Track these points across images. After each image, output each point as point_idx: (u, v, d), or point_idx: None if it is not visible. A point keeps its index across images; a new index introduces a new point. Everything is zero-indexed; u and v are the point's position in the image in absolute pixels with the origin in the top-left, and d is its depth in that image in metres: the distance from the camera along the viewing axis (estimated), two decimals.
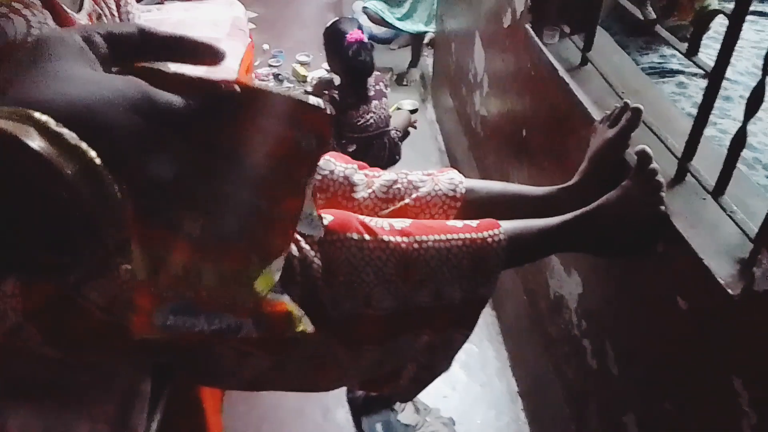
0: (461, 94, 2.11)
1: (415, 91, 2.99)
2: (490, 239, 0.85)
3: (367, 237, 0.82)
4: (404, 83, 3.05)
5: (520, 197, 1.01)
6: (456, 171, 1.01)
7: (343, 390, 1.48)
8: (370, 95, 2.28)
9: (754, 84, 0.74)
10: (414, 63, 3.13)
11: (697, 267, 0.75)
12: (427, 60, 3.08)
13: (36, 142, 0.26)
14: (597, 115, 1.02)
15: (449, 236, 0.85)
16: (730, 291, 0.70)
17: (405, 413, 1.45)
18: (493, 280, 0.87)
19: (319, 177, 0.99)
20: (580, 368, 1.12)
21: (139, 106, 0.31)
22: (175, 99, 0.32)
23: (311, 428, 1.41)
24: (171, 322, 0.41)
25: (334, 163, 1.01)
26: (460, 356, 1.56)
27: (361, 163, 1.04)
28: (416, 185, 1.00)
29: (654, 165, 0.86)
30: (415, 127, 2.58)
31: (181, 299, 0.40)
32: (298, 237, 0.80)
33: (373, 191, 0.99)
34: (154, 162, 0.32)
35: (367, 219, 0.85)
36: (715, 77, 0.81)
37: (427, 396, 1.49)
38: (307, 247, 0.80)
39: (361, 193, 0.98)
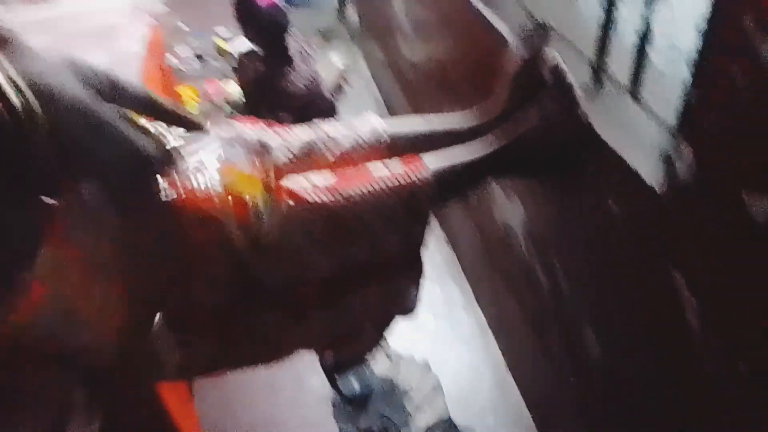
0: (389, 44, 2.05)
1: (345, 49, 2.91)
2: (417, 180, 0.83)
3: (291, 202, 0.79)
4: (330, 40, 2.96)
5: (447, 135, 0.99)
6: (375, 116, 0.97)
7: (314, 356, 1.47)
8: (295, 59, 2.20)
9: None
10: (340, 17, 3.04)
11: (624, 170, 0.75)
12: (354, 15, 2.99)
13: None
14: (514, 40, 0.99)
15: (375, 185, 0.82)
16: (656, 188, 0.70)
17: (379, 365, 1.46)
18: (425, 220, 0.86)
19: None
20: (536, 290, 1.13)
21: None
22: None
23: (286, 399, 1.41)
24: None
25: (243, 129, 0.96)
26: (426, 299, 1.57)
27: (268, 122, 0.99)
28: (338, 141, 0.95)
29: (568, 78, 0.84)
30: (348, 84, 2.51)
31: None
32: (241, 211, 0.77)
33: (294, 155, 0.95)
34: None
35: (289, 182, 0.81)
36: None
37: (398, 343, 1.50)
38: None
39: (282, 158, 0.94)
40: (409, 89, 1.89)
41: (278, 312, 0.85)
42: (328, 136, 0.94)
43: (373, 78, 2.58)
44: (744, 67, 0.54)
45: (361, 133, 0.96)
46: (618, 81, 0.83)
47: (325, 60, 2.68)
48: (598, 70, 0.86)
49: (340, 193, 0.81)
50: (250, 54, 2.56)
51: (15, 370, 0.74)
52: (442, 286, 1.63)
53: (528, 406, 1.29)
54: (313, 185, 0.81)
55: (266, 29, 2.13)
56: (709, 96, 0.60)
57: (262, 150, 0.90)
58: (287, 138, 0.92)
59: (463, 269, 1.64)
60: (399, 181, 0.82)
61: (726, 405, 0.66)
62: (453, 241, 1.71)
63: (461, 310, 1.56)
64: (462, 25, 1.24)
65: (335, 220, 0.81)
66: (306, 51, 2.25)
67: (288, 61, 2.21)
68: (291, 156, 0.93)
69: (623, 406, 0.90)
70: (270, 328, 0.86)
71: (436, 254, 1.70)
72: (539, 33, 0.91)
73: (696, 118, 0.63)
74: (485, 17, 1.08)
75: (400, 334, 1.52)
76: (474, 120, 0.97)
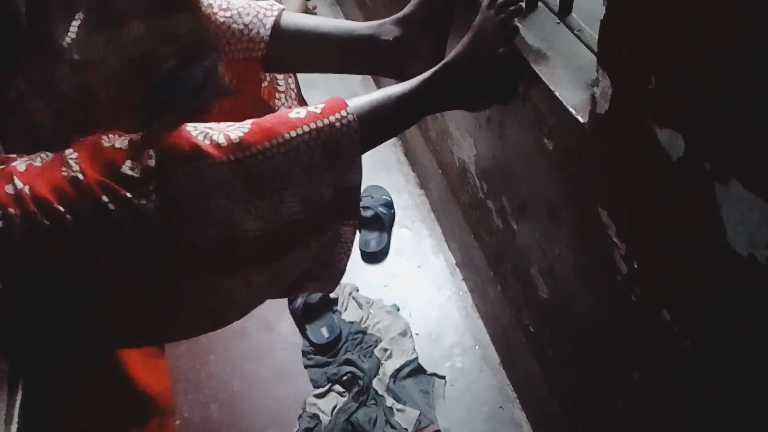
0: None
1: None
2: (338, 123, 0.76)
3: (203, 162, 0.72)
4: None
5: (345, 36, 0.92)
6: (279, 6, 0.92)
7: (284, 303, 1.46)
8: None
9: None
10: None
11: (553, 101, 0.69)
12: None
13: None
14: None
15: (293, 133, 0.76)
16: (579, 119, 0.64)
17: (348, 311, 1.45)
18: (356, 165, 0.80)
19: None
20: (491, 229, 1.09)
21: None
22: None
23: (258, 346, 1.41)
24: None
25: None
26: (395, 243, 1.56)
27: None
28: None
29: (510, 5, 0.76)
30: (313, 10, 2.39)
31: None
32: (117, 187, 0.71)
33: None
34: None
35: (198, 134, 0.75)
36: None
37: (367, 290, 1.48)
38: (126, 192, 0.71)
39: None
40: (366, 12, 1.79)
41: (218, 275, 0.80)
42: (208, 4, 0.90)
43: (337, 3, 2.45)
44: None
45: (242, 15, 0.90)
46: (549, 3, 0.75)
47: None
48: None
49: (257, 147, 0.75)
50: None
51: None
52: (412, 229, 1.59)
53: (494, 346, 1.28)
54: (227, 138, 0.74)
55: None
56: (619, 11, 0.53)
57: None
58: None
59: (432, 209, 1.60)
60: (318, 126, 0.76)
61: (650, 353, 0.63)
62: (422, 181, 1.66)
63: (431, 253, 1.53)
64: None
65: (254, 178, 0.75)
66: None
67: None
68: None
69: (570, 347, 0.87)
70: (204, 294, 0.81)
71: (407, 197, 1.66)
72: None
73: (609, 40, 0.56)
74: None
75: (370, 279, 1.51)
76: (376, 23, 0.91)
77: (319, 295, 1.42)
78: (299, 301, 1.43)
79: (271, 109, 0.98)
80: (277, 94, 0.99)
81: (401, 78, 0.86)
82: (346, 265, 0.94)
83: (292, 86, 1.01)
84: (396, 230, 1.59)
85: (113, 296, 0.76)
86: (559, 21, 0.75)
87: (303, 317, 1.42)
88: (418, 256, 1.53)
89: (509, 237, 0.99)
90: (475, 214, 1.18)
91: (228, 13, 0.89)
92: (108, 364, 1.02)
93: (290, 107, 0.98)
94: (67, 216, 0.70)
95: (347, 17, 2.30)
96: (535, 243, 0.89)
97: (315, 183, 0.79)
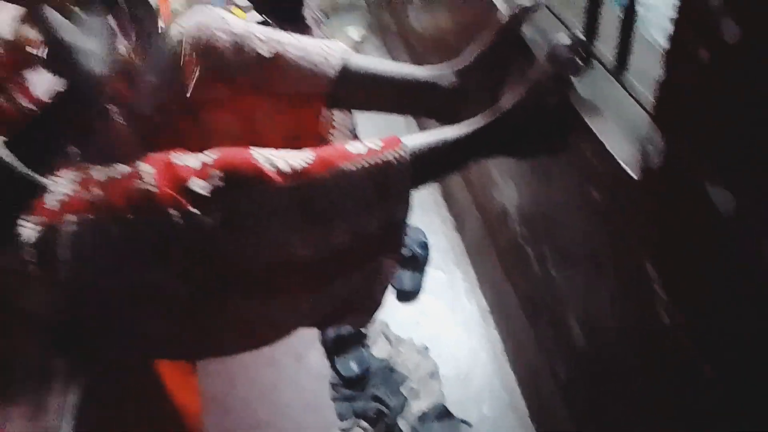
0: (400, 15, 2.02)
1: (361, 19, 2.86)
2: (393, 160, 0.80)
3: (265, 186, 0.76)
4: (345, 10, 2.91)
5: (405, 81, 0.97)
6: (342, 46, 0.98)
7: (315, 333, 1.48)
8: (311, 30, 2.19)
9: None
10: None
11: (603, 154, 0.72)
12: None
13: None
14: (504, 9, 0.95)
15: (351, 166, 0.79)
16: (631, 173, 0.66)
17: (377, 347, 1.46)
18: (405, 201, 0.84)
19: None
20: (528, 275, 1.10)
21: None
22: None
23: (286, 374, 1.42)
24: None
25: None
26: (429, 284, 1.57)
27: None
28: (283, 44, 0.97)
29: (568, 54, 0.79)
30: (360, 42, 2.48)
31: None
32: (185, 202, 0.76)
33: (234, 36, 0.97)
34: None
35: (263, 159, 0.79)
36: None
37: (398, 327, 1.49)
38: (192, 208, 0.76)
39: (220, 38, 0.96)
40: (416, 59, 1.86)
41: (257, 296, 0.83)
42: (280, 41, 0.96)
43: (387, 49, 2.53)
44: (708, 43, 0.50)
45: (312, 51, 0.96)
46: (604, 62, 0.79)
47: (341, 31, 2.65)
48: (587, 49, 0.81)
49: (316, 177, 0.79)
50: (264, 25, 2.55)
51: None
52: (446, 272, 1.61)
53: (523, 395, 1.27)
54: (290, 167, 0.78)
55: (280, 7, 2.13)
56: (676, 74, 0.56)
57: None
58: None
59: (467, 253, 1.61)
60: (375, 161, 0.80)
61: (693, 405, 0.63)
62: (459, 224, 1.68)
63: (463, 296, 1.54)
64: None
65: (311, 205, 0.79)
66: (321, 22, 2.23)
67: (305, 31, 2.20)
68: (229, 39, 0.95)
69: (605, 399, 0.87)
70: (249, 313, 0.84)
71: (442, 239, 1.68)
72: (529, 7, 0.87)
73: (665, 99, 0.59)
74: None
75: (402, 317, 1.52)
76: (437, 70, 0.95)
77: (350, 329, 1.44)
78: (331, 332, 1.45)
79: (326, 142, 1.02)
80: (331, 129, 1.04)
81: (453, 123, 0.90)
82: (383, 299, 0.96)
83: (348, 123, 1.06)
84: (430, 271, 1.61)
85: (166, 307, 0.80)
86: (612, 78, 0.78)
87: (333, 349, 1.43)
88: (450, 297, 1.54)
89: (547, 284, 1.00)
90: (512, 259, 1.19)
91: (300, 52, 0.95)
92: (147, 375, 1.06)
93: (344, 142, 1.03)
94: (138, 225, 0.75)
95: (394, 58, 2.38)
96: (574, 291, 0.90)
97: (365, 215, 0.82)
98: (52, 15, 0.74)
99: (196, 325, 0.83)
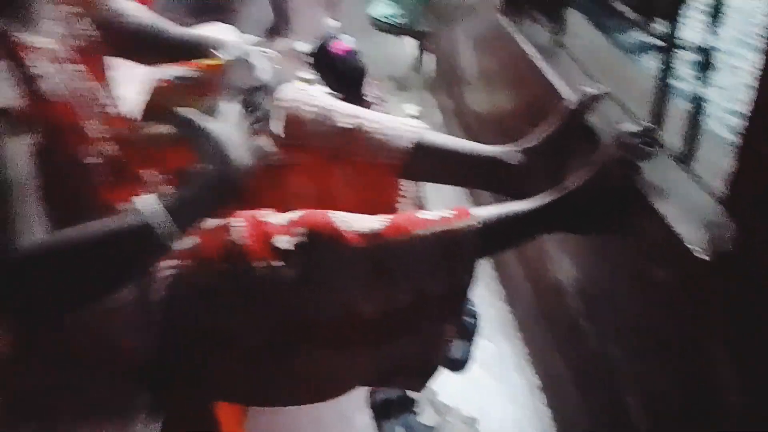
0: (456, 94, 2.12)
1: (419, 97, 3.00)
2: (464, 229, 0.85)
3: (343, 245, 0.83)
4: (406, 89, 3.06)
5: (472, 157, 1.04)
6: (418, 123, 1.06)
7: (363, 396, 1.49)
8: (372, 106, 2.31)
9: (745, 53, 0.74)
10: (416, 66, 3.14)
11: (670, 236, 0.75)
12: (430, 63, 3.09)
13: None
14: (568, 95, 1.02)
15: (422, 231, 0.85)
16: (699, 255, 0.69)
17: (425, 414, 1.45)
18: (470, 270, 0.87)
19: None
20: (585, 352, 1.10)
21: None
22: None
23: None
24: None
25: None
26: (478, 355, 1.57)
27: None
28: (361, 120, 1.05)
29: (635, 140, 0.84)
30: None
31: None
32: (264, 251, 0.82)
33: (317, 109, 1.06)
34: None
35: (341, 222, 0.86)
36: (671, 44, 0.80)
37: (446, 396, 1.49)
38: (274, 262, 0.82)
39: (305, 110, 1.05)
40: (472, 138, 1.93)
41: (322, 350, 0.87)
42: (360, 116, 1.05)
43: (445, 126, 2.64)
44: None
45: (389, 125, 1.03)
46: (670, 148, 0.83)
47: (399, 108, 2.78)
48: (653, 136, 0.86)
49: (390, 240, 0.84)
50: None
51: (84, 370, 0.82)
52: (495, 343, 1.61)
53: None
54: (370, 228, 0.84)
55: (343, 76, 2.26)
56: (751, 166, 0.60)
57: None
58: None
59: (518, 326, 1.62)
60: (445, 229, 0.85)
61: None
62: (509, 298, 1.69)
63: (512, 369, 1.53)
64: (518, 77, 1.28)
65: (381, 266, 0.84)
66: (382, 99, 2.36)
67: (366, 106, 2.32)
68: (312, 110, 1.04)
69: None
70: (314, 366, 0.88)
71: (491, 310, 1.69)
72: (594, 95, 0.93)
73: (737, 188, 0.63)
74: (542, 72, 1.11)
75: (450, 387, 1.51)
76: (505, 148, 1.01)
77: (400, 393, 1.45)
78: (380, 395, 1.45)
79: (394, 211, 1.08)
80: (400, 198, 1.10)
81: (517, 199, 0.95)
82: (439, 364, 0.99)
83: (417, 194, 1.12)
84: (479, 341, 1.61)
85: (240, 353, 0.85)
86: (676, 165, 0.82)
87: (381, 413, 1.44)
88: (498, 370, 1.53)
89: (604, 361, 1.01)
90: (566, 334, 1.20)
91: (377, 125, 1.03)
92: (208, 419, 1.09)
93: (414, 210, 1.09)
94: (226, 274, 0.82)
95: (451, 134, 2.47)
96: (635, 370, 0.90)
97: (431, 279, 0.87)
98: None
99: (264, 373, 0.88)
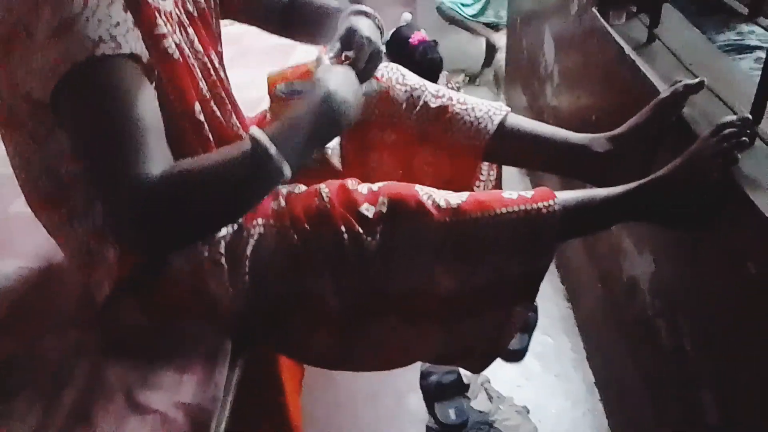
0: (533, 89, 2.10)
1: (489, 92, 2.99)
2: (544, 210, 0.85)
3: (424, 218, 0.85)
4: (477, 83, 3.06)
5: (561, 144, 1.03)
6: (504, 107, 1.06)
7: (416, 376, 1.51)
8: None
9: None
10: (488, 62, 3.12)
11: (765, 229, 0.73)
12: (501, 59, 3.07)
13: None
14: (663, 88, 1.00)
15: (504, 209, 0.86)
16: None
17: (478, 400, 1.46)
18: (550, 252, 0.88)
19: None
20: (656, 350, 1.09)
21: None
22: None
23: (384, 414, 1.45)
24: None
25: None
26: (535, 347, 1.57)
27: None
28: (452, 101, 1.08)
29: (733, 130, 0.82)
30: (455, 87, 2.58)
31: None
32: (354, 222, 0.85)
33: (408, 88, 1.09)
34: None
35: (424, 195, 0.87)
36: None
37: (500, 384, 1.49)
38: (359, 228, 0.84)
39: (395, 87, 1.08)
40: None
41: (397, 320, 0.89)
42: (449, 97, 1.07)
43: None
44: None
45: (477, 107, 1.05)
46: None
47: None
48: (752, 128, 0.84)
49: (471, 216, 0.85)
50: None
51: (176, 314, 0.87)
52: (555, 338, 1.60)
53: None
54: (446, 202, 0.86)
55: (421, 66, 2.28)
56: None
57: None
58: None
59: (579, 324, 1.60)
60: (526, 208, 0.85)
61: None
62: (572, 295, 1.67)
63: (570, 366, 1.52)
64: (610, 72, 1.26)
65: (464, 242, 0.86)
66: (453, 87, 2.37)
67: None
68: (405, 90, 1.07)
69: None
70: (388, 335, 0.90)
71: (553, 307, 1.68)
72: (689, 85, 0.92)
73: None
74: (637, 65, 1.09)
75: (505, 376, 1.52)
76: (591, 139, 1.01)
77: (454, 377, 1.46)
78: (433, 377, 1.47)
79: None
80: (477, 182, 1.11)
81: (602, 186, 0.94)
82: (506, 347, 0.99)
83: (493, 177, 1.13)
84: (537, 335, 1.61)
85: (320, 314, 0.87)
86: None
87: (434, 395, 1.45)
88: (556, 365, 1.52)
89: (678, 359, 0.99)
90: (637, 333, 1.18)
91: (464, 106, 1.05)
92: (273, 376, 1.13)
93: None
94: (311, 236, 0.85)
95: None
96: (714, 368, 0.89)
97: (510, 258, 0.87)
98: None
99: (339, 336, 0.90)
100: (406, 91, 1.07)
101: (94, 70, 0.68)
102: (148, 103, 0.72)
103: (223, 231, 0.85)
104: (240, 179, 0.74)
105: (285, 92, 1.01)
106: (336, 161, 1.08)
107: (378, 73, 1.07)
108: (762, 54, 1.29)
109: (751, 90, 0.94)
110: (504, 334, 0.97)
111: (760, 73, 0.96)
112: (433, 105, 1.06)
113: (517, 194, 0.88)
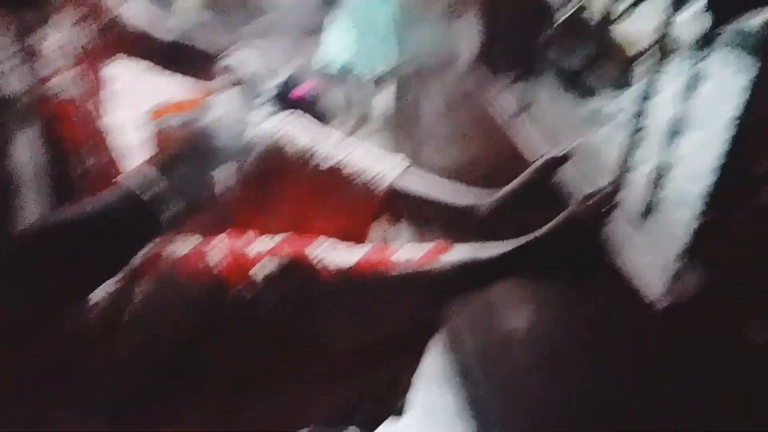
0: (416, 144, 2.19)
1: (379, 137, 3.06)
2: (437, 267, 0.88)
3: (316, 279, 0.84)
4: (366, 129, 3.12)
5: (447, 208, 1.07)
6: (399, 162, 1.09)
7: None
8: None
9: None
10: (371, 111, 3.21)
11: (629, 287, 0.81)
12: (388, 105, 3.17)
13: None
14: (535, 155, 1.09)
15: (396, 268, 0.87)
16: (659, 306, 0.75)
17: None
18: (442, 308, 0.90)
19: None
20: (536, 403, 1.14)
21: None
22: None
23: None
24: None
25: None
26: (419, 400, 1.57)
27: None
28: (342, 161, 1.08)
29: (602, 196, 0.90)
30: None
31: None
32: (240, 279, 0.82)
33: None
34: None
35: (316, 256, 0.86)
36: (639, 115, 0.89)
37: None
38: (248, 290, 0.82)
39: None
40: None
41: (291, 382, 0.88)
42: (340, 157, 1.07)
43: None
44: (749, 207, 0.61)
45: (368, 169, 1.06)
46: (632, 207, 0.91)
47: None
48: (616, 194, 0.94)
49: (363, 276, 0.86)
50: None
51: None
52: (438, 389, 1.62)
53: None
54: (339, 264, 0.85)
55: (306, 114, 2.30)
56: (716, 227, 0.67)
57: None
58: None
59: (460, 373, 1.64)
60: (419, 266, 0.88)
61: None
62: (453, 343, 1.72)
63: (456, 416, 1.55)
64: (489, 135, 1.35)
65: (355, 302, 0.86)
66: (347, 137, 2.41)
67: None
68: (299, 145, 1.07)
69: None
70: (280, 397, 0.88)
71: (436, 357, 1.71)
72: (561, 157, 1.01)
73: (703, 246, 0.70)
74: (511, 135, 1.19)
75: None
76: (476, 202, 1.06)
77: None
78: None
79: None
80: (371, 234, 1.12)
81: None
82: (399, 405, 1.00)
83: (387, 232, 1.14)
84: (420, 388, 1.60)
85: (207, 379, 0.83)
86: (637, 221, 0.90)
87: None
88: (441, 418, 1.53)
89: (553, 408, 1.04)
90: (517, 384, 1.23)
91: (356, 167, 1.06)
92: None
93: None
94: (200, 298, 0.81)
95: None
96: (589, 419, 0.94)
97: (402, 316, 0.89)
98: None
99: (229, 400, 0.85)
100: (299, 148, 1.07)
101: None
102: (21, 151, 0.66)
103: (99, 293, 0.78)
104: (112, 230, 0.69)
105: (173, 124, 0.97)
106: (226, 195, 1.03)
107: (274, 127, 1.07)
108: (619, 123, 1.46)
109: (612, 159, 1.06)
110: (395, 392, 0.97)
111: (618, 141, 1.08)
112: (324, 165, 1.06)
113: (409, 251, 0.90)
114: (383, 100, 3.18)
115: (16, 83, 0.67)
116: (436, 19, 1.85)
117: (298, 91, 2.32)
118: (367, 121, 3.20)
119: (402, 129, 2.51)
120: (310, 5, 3.51)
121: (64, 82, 0.77)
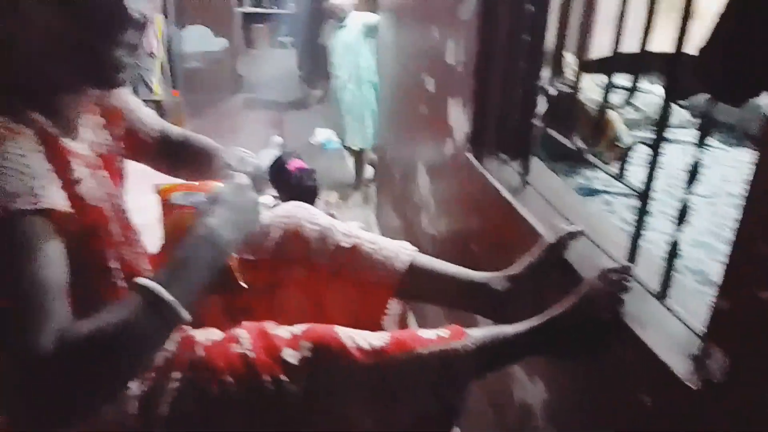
0: (407, 216, 2.23)
1: (362, 212, 3.12)
2: (461, 348, 0.89)
3: (349, 360, 0.85)
4: (348, 203, 3.19)
5: (463, 284, 1.10)
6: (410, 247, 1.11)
7: None
8: None
9: (670, 200, 0.87)
10: (356, 182, 3.30)
11: (655, 364, 0.82)
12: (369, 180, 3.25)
13: None
14: (540, 230, 1.13)
15: (423, 350, 0.88)
16: (689, 384, 0.77)
17: None
18: (464, 390, 0.91)
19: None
20: None
21: None
22: None
23: None
24: None
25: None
26: None
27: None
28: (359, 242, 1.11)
29: (617, 275, 0.93)
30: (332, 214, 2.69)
31: None
32: (273, 365, 0.82)
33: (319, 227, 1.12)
34: None
35: (346, 337, 0.87)
36: (646, 195, 0.93)
37: None
38: (283, 376, 0.82)
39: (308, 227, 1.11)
40: None
41: None
42: (357, 236, 1.10)
43: None
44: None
45: (385, 246, 1.09)
46: (646, 283, 0.94)
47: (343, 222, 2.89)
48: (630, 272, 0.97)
49: (392, 357, 0.87)
50: None
51: None
52: None
53: None
54: (370, 345, 0.86)
55: (298, 191, 2.34)
56: (736, 305, 0.70)
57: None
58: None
59: None
60: (444, 348, 0.89)
61: None
62: (464, 421, 1.69)
63: None
64: (488, 210, 1.39)
65: (384, 383, 0.86)
66: (333, 215, 2.45)
67: None
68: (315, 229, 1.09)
69: None
70: None
71: None
72: (574, 233, 1.04)
73: (724, 324, 0.72)
74: (515, 207, 1.22)
75: None
76: (491, 277, 1.08)
77: None
78: None
79: (379, 328, 1.11)
80: (383, 317, 1.13)
81: (501, 322, 1.00)
82: None
83: (398, 313, 1.15)
84: None
85: None
86: (652, 300, 0.92)
87: None
88: None
89: None
90: None
91: (373, 246, 1.08)
92: None
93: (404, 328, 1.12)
94: (234, 387, 0.80)
95: None
96: None
97: (428, 397, 0.89)
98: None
99: None
100: (316, 229, 1.09)
101: (4, 226, 0.61)
102: (52, 261, 0.66)
103: (134, 389, 0.77)
104: (137, 335, 0.69)
105: (182, 201, 0.97)
106: (239, 277, 1.03)
107: (289, 212, 1.09)
108: (608, 197, 1.53)
109: (613, 232, 1.10)
110: None
111: (610, 214, 1.13)
112: (344, 245, 1.08)
113: (434, 333, 0.92)
114: (367, 173, 3.27)
115: (53, 193, 0.68)
116: (423, 101, 1.93)
117: (293, 164, 2.38)
118: (353, 193, 3.28)
119: (390, 200, 2.55)
120: (290, 80, 3.65)
121: (95, 186, 0.79)
